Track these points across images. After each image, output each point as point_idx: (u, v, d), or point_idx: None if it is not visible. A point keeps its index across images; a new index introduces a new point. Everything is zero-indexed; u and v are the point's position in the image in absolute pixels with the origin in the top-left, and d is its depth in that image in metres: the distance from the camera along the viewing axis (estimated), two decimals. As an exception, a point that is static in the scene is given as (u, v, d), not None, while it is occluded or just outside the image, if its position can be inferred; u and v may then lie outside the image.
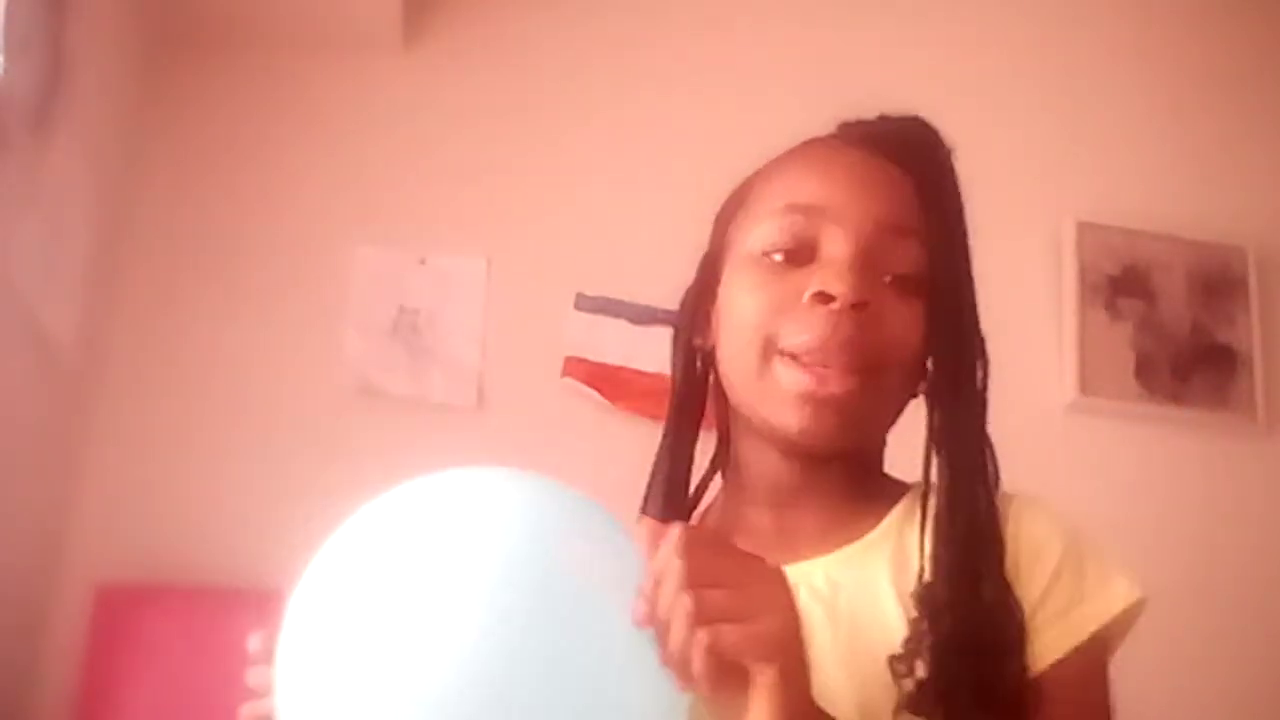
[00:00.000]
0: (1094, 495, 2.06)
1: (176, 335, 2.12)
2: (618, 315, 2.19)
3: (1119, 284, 2.37)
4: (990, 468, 0.81)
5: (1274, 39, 2.58)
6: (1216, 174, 2.49)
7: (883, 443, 0.87)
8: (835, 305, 0.77)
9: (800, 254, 0.80)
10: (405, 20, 2.28)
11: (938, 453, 0.81)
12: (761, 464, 0.85)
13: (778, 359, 0.79)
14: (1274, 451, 2.35)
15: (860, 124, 0.88)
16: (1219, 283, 2.41)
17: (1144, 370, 2.34)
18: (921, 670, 0.73)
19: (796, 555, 0.79)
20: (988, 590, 0.75)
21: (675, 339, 0.91)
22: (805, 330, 0.77)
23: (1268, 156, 2.51)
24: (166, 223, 2.18)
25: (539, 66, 2.36)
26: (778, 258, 0.81)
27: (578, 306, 2.22)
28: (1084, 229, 2.37)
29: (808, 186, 0.82)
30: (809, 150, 0.87)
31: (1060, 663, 0.75)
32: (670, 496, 0.90)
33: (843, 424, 0.78)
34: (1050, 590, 0.77)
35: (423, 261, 2.22)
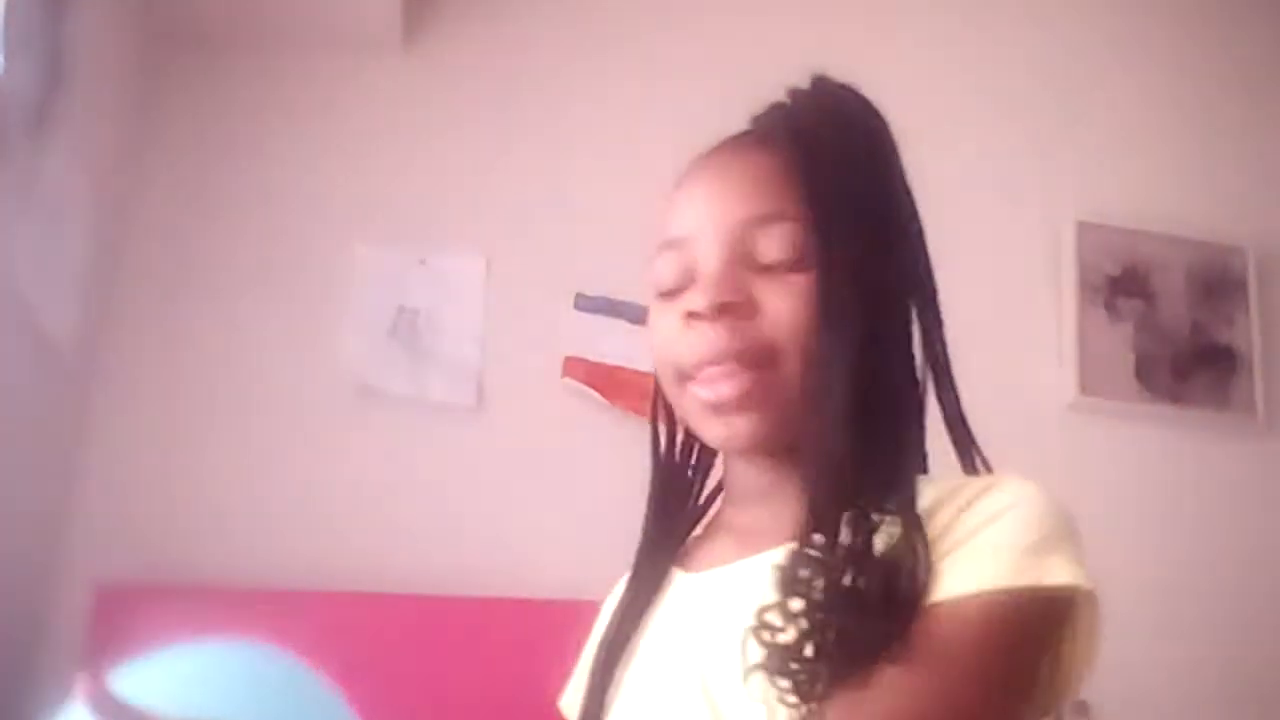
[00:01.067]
0: (1094, 495, 2.06)
1: (176, 335, 2.12)
2: (617, 315, 2.20)
3: (1119, 284, 2.37)
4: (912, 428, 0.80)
5: (1274, 39, 2.58)
6: (1216, 174, 2.49)
7: (869, 436, 0.77)
8: (705, 317, 0.78)
9: (682, 283, 0.82)
10: (405, 20, 2.28)
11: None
12: (733, 468, 0.87)
13: (688, 384, 0.81)
14: (1274, 451, 2.35)
15: (764, 110, 0.90)
16: (1219, 283, 2.41)
17: (1144, 370, 2.34)
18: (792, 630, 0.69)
19: (756, 550, 0.79)
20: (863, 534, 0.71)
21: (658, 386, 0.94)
22: (689, 352, 0.80)
23: (1268, 156, 2.52)
24: (166, 223, 2.18)
25: (539, 67, 2.36)
26: (665, 294, 0.83)
27: (577, 306, 2.22)
28: (1084, 229, 2.37)
29: (674, 217, 0.84)
30: (686, 174, 0.87)
31: (953, 603, 0.68)
32: (659, 527, 0.91)
33: (753, 420, 0.78)
34: (979, 529, 0.71)
35: (423, 261, 2.22)
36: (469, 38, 2.36)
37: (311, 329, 2.16)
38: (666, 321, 0.82)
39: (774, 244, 0.79)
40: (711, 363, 0.78)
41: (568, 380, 2.19)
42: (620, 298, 2.19)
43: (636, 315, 2.16)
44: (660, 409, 0.91)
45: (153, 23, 2.20)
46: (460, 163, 2.28)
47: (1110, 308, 2.36)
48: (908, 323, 0.82)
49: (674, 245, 0.83)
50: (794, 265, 0.78)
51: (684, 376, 0.81)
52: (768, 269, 0.79)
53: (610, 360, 2.18)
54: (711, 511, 0.93)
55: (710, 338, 0.78)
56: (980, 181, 2.33)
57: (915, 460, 0.80)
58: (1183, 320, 2.38)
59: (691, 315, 0.79)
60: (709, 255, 0.80)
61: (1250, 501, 2.31)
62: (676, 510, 0.92)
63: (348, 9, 2.24)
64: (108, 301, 2.09)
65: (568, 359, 2.19)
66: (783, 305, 0.78)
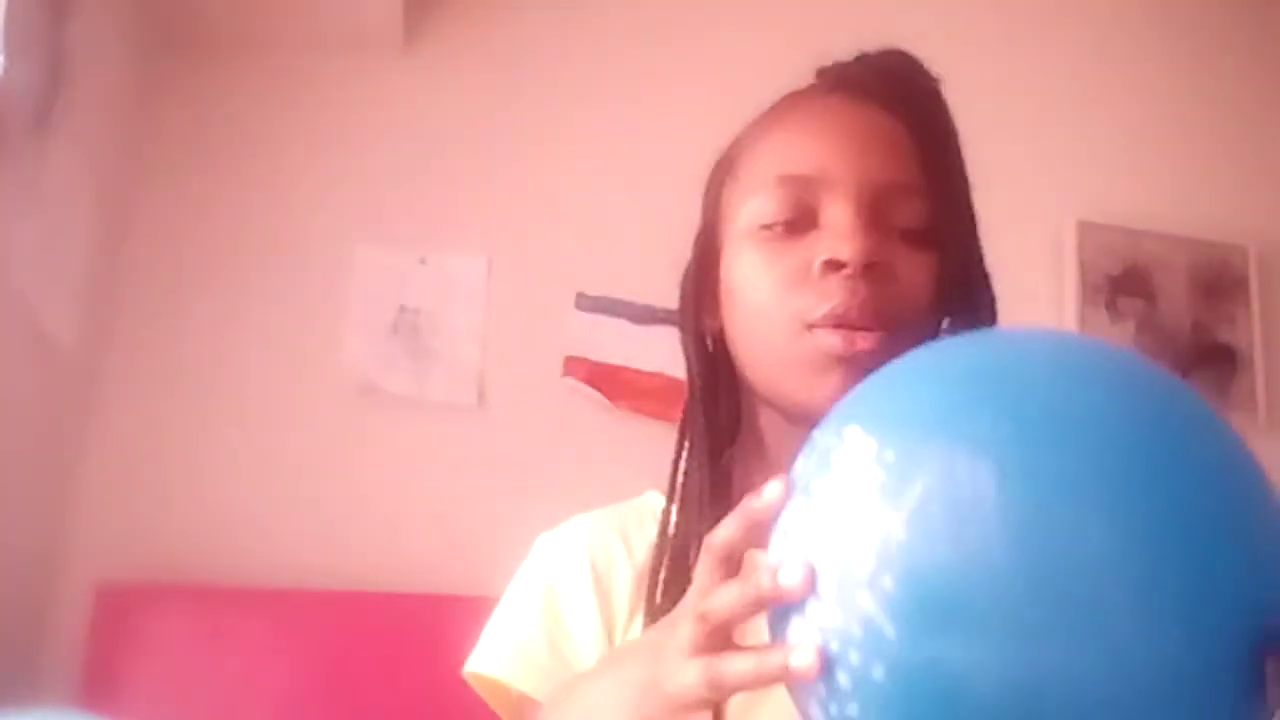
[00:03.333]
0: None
1: (176, 335, 2.12)
2: (618, 315, 2.19)
3: (1120, 283, 2.37)
4: None
5: (1275, 38, 2.57)
6: (1217, 173, 2.49)
7: None
8: (847, 271, 0.75)
9: (800, 223, 0.78)
10: (405, 20, 2.28)
11: None
12: (779, 435, 0.82)
13: (808, 332, 0.76)
14: (1275, 450, 2.33)
15: (840, 67, 0.86)
16: (1220, 282, 2.41)
17: (1145, 370, 2.34)
18: None
19: None
20: None
21: (683, 321, 0.88)
22: (824, 300, 0.75)
23: (1269, 156, 2.51)
24: (166, 223, 2.18)
25: (539, 66, 2.36)
26: (777, 230, 0.79)
27: (578, 306, 2.22)
28: (1084, 228, 2.37)
29: (797, 154, 0.80)
30: (793, 110, 0.84)
31: None
32: (716, 485, 0.83)
33: None
34: None
35: (423, 261, 2.22)
36: (469, 38, 2.36)
37: (312, 328, 2.16)
38: (783, 264, 0.78)
39: (909, 213, 0.78)
40: (848, 318, 0.75)
41: (568, 380, 2.19)
42: (620, 298, 2.19)
43: (638, 315, 2.16)
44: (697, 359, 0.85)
45: (153, 24, 2.20)
46: (460, 163, 2.28)
47: (1111, 307, 2.36)
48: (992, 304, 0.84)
49: (794, 182, 0.78)
50: (923, 239, 0.78)
51: (806, 323, 0.76)
52: (901, 235, 0.78)
53: (611, 360, 2.18)
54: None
55: (852, 289, 0.75)
56: (980, 181, 2.33)
57: None
58: (1183, 319, 2.38)
59: (832, 264, 0.75)
60: (844, 206, 0.77)
61: (1251, 501, 2.30)
62: (725, 493, 0.84)
63: (348, 9, 2.24)
64: (108, 301, 2.09)
65: (568, 359, 2.19)
66: (913, 275, 0.77)
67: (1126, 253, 2.39)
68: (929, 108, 0.82)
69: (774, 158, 0.81)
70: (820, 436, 0.56)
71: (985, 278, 0.83)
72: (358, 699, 1.89)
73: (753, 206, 0.80)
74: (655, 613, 0.80)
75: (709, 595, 0.57)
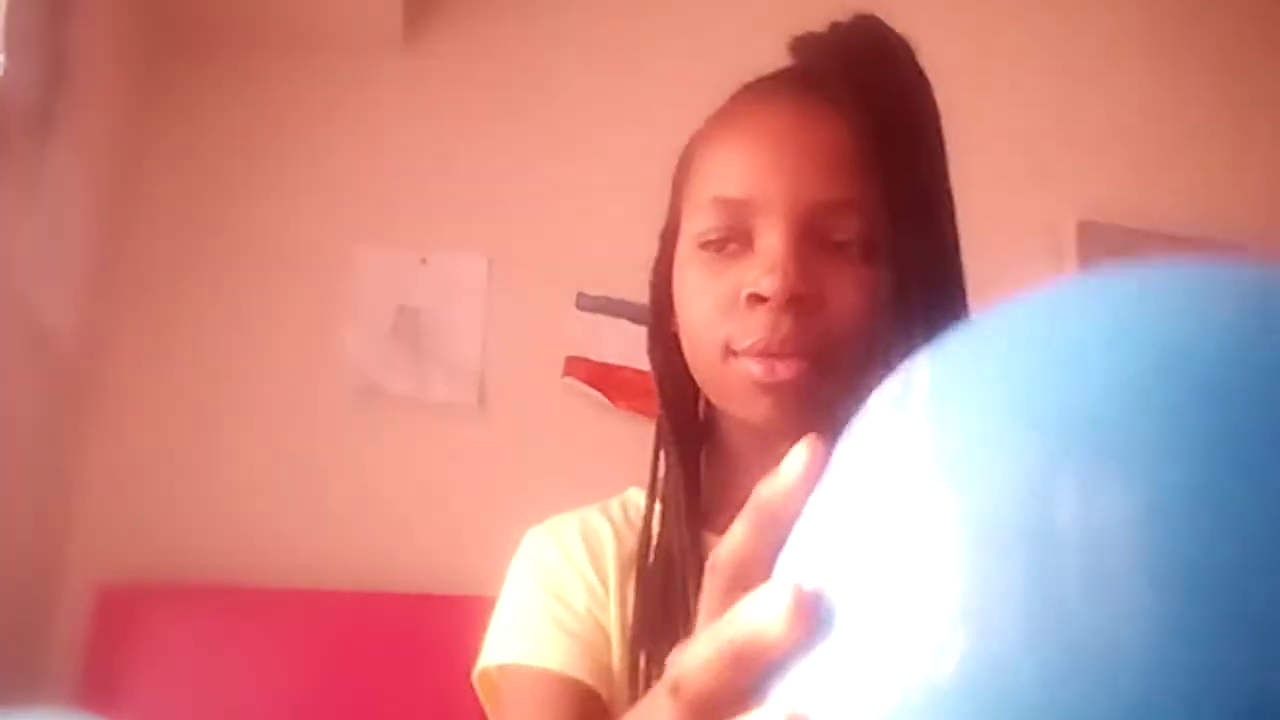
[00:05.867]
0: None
1: (177, 335, 2.12)
2: (618, 315, 2.19)
3: (1120, 283, 2.37)
4: None
5: (1275, 37, 2.57)
6: (1218, 173, 2.48)
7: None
8: (770, 304, 0.74)
9: (736, 244, 0.78)
10: (405, 20, 2.28)
11: None
12: (744, 439, 0.83)
13: (732, 358, 0.77)
14: (1275, 451, 2.35)
15: (802, 47, 0.85)
16: (1220, 282, 2.41)
17: (1145, 370, 2.34)
18: None
19: None
20: None
21: (652, 328, 0.89)
22: (748, 333, 0.75)
23: (1269, 155, 2.51)
24: (166, 223, 2.18)
25: (540, 66, 2.36)
26: (712, 251, 0.79)
27: (578, 306, 2.22)
28: (1084, 228, 2.37)
29: (733, 175, 0.78)
30: (736, 119, 0.83)
31: None
32: (691, 491, 0.85)
33: (802, 405, 0.75)
34: None
35: (423, 261, 2.22)
36: (469, 37, 2.36)
37: (312, 328, 2.16)
38: (716, 288, 0.78)
39: (848, 229, 0.76)
40: (769, 350, 0.75)
41: (569, 380, 2.19)
42: (621, 297, 2.18)
43: (638, 314, 2.16)
44: (665, 364, 0.86)
45: (153, 23, 2.20)
46: (461, 162, 2.28)
47: (1111, 307, 2.36)
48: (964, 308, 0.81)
49: (728, 205, 0.78)
50: (862, 255, 0.76)
51: (730, 351, 0.77)
52: (835, 251, 0.76)
53: (612, 360, 2.18)
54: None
55: (774, 324, 0.74)
56: (980, 181, 2.33)
57: None
58: (1184, 320, 2.38)
59: (755, 298, 0.75)
60: (774, 231, 0.75)
61: (1251, 501, 2.30)
62: (695, 462, 0.86)
63: (348, 9, 2.24)
64: (108, 301, 2.09)
65: (569, 358, 2.19)
66: (848, 298, 0.75)
67: (1126, 253, 2.39)
68: (886, 103, 0.78)
69: (711, 176, 0.80)
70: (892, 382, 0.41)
71: (946, 285, 0.80)
72: (358, 699, 1.89)
73: (695, 222, 0.80)
74: (640, 615, 0.81)
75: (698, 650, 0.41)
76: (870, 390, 0.55)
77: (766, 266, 0.75)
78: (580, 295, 2.22)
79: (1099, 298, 0.39)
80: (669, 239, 0.86)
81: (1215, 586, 0.31)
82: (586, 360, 2.19)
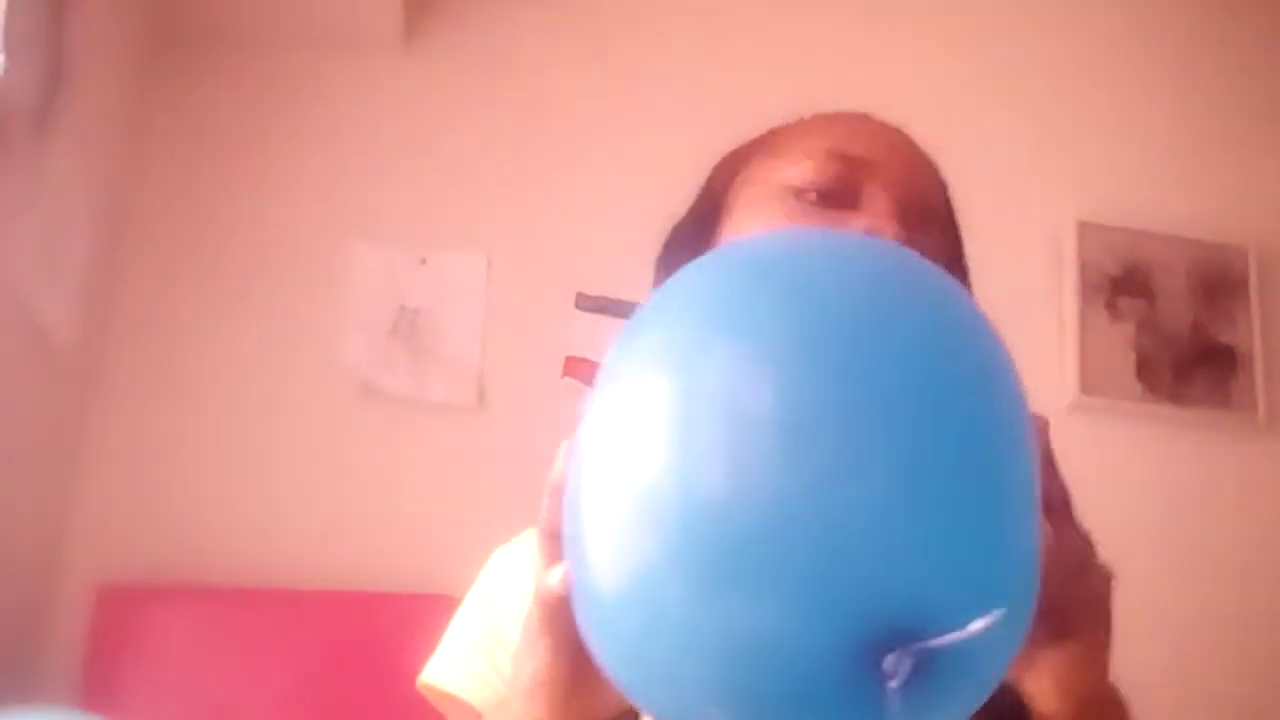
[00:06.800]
0: (1095, 495, 2.06)
1: (176, 335, 2.12)
2: (618, 315, 2.19)
3: (1120, 283, 2.37)
4: None
5: (1275, 37, 2.57)
6: (1218, 173, 2.48)
7: None
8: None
9: (838, 197, 0.76)
10: (405, 20, 2.28)
11: None
12: None
13: None
14: (1275, 451, 2.35)
15: None
16: (1220, 282, 2.41)
17: (1145, 370, 2.34)
18: None
19: None
20: None
21: (661, 266, 0.86)
22: None
23: (1269, 155, 2.51)
24: (166, 222, 2.18)
25: (539, 65, 2.36)
26: (813, 196, 0.76)
27: (578, 306, 2.22)
28: (1084, 228, 2.37)
29: (853, 139, 0.78)
30: (850, 113, 0.83)
31: None
32: None
33: None
34: None
35: (423, 261, 2.22)
36: (469, 38, 2.36)
37: (311, 328, 2.16)
38: (814, 221, 0.75)
39: (938, 245, 0.76)
40: None
41: (568, 380, 2.19)
42: (621, 297, 2.18)
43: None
44: None
45: (153, 22, 2.20)
46: (460, 162, 2.28)
47: (1111, 307, 2.36)
48: None
49: (846, 161, 0.76)
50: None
51: None
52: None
53: (611, 360, 2.18)
54: None
55: None
56: (980, 181, 2.32)
57: None
58: (1184, 320, 2.38)
59: (872, 234, 0.73)
60: (887, 199, 0.75)
61: (1251, 501, 2.30)
62: None
63: (348, 9, 2.24)
64: (107, 301, 2.09)
65: (569, 358, 2.19)
66: None
67: (1126, 253, 2.39)
68: (931, 172, 0.83)
69: (828, 135, 0.79)
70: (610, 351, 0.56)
71: None
72: (357, 699, 1.89)
73: (791, 172, 0.77)
74: None
75: (540, 577, 0.58)
76: None
77: (880, 216, 0.74)
78: (580, 295, 2.22)
79: (760, 251, 0.57)
80: (710, 199, 0.84)
81: (821, 429, 0.47)
82: (586, 360, 2.19)
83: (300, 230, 2.20)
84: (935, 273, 0.57)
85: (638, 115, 2.33)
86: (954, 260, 0.79)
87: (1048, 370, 2.32)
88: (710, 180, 0.86)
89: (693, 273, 0.57)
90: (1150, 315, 2.37)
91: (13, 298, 1.71)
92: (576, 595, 0.53)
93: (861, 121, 0.82)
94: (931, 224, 0.77)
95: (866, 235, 0.72)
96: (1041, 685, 0.61)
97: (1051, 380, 2.31)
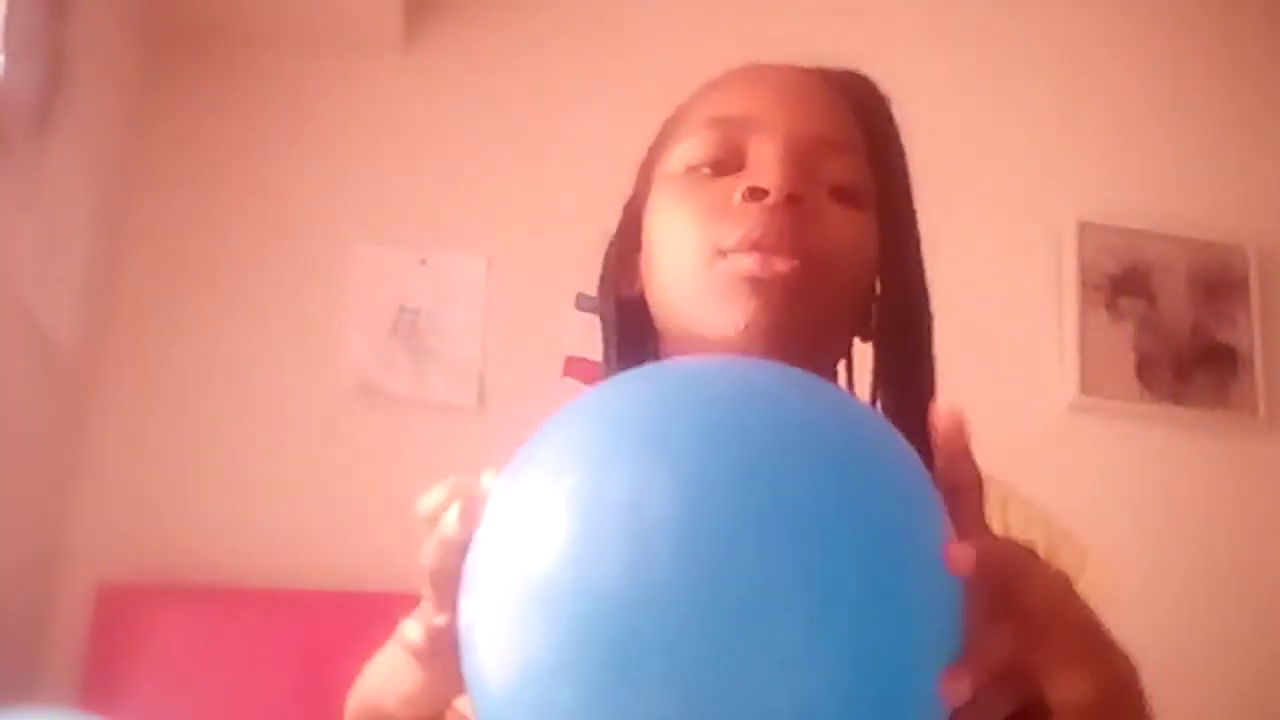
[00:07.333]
0: (1095, 495, 2.06)
1: (176, 335, 2.12)
2: (618, 315, 2.19)
3: (1120, 283, 2.37)
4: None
5: (1275, 37, 2.58)
6: (1217, 173, 2.49)
7: (835, 375, 0.80)
8: (769, 200, 0.71)
9: (727, 163, 0.75)
10: (405, 20, 2.28)
11: (883, 394, 0.78)
12: None
13: (721, 259, 0.73)
14: (1275, 451, 2.35)
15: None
16: (1220, 282, 2.41)
17: (1145, 370, 2.34)
18: None
19: None
20: None
21: (601, 291, 0.87)
22: (741, 226, 0.72)
23: (1269, 155, 2.51)
24: (166, 223, 2.18)
25: (539, 66, 2.36)
26: (706, 171, 0.76)
27: (578, 306, 2.22)
28: (1085, 228, 2.37)
29: (730, 99, 0.77)
30: (731, 71, 0.82)
31: None
32: None
33: (790, 308, 0.71)
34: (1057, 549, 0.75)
35: (423, 261, 2.22)
36: (469, 38, 2.36)
37: (312, 328, 2.16)
38: (704, 198, 0.74)
39: (844, 169, 0.75)
40: (764, 242, 0.71)
41: (568, 380, 2.19)
42: (621, 297, 2.19)
43: (637, 315, 2.16)
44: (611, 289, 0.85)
45: (153, 23, 2.20)
46: (460, 162, 2.28)
47: (1111, 307, 2.36)
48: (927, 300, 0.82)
49: (724, 124, 0.76)
50: (855, 199, 0.75)
51: (719, 249, 0.73)
52: (833, 189, 0.75)
53: (611, 360, 2.18)
54: None
55: (772, 220, 0.71)
56: (980, 181, 2.33)
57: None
58: (1184, 320, 2.38)
59: (755, 192, 0.72)
60: (771, 146, 0.73)
61: (1251, 500, 2.30)
62: None
63: (348, 9, 2.24)
64: (107, 301, 2.09)
65: (569, 359, 2.19)
66: (845, 230, 0.74)
67: (1126, 253, 2.39)
68: (878, 105, 0.80)
69: (706, 104, 0.79)
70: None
71: (922, 274, 0.80)
72: (358, 699, 1.89)
73: (680, 151, 0.78)
74: None
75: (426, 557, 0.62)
76: (840, 352, 0.79)
77: (764, 166, 0.73)
78: (580, 295, 2.22)
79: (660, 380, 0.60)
80: (632, 211, 0.85)
81: (722, 537, 0.48)
82: (586, 360, 2.19)
83: (300, 230, 2.20)
84: (844, 395, 0.61)
85: (638, 115, 2.32)
86: (883, 171, 0.77)
87: (1048, 370, 2.32)
88: (635, 183, 0.87)
89: (608, 386, 0.62)
90: (1150, 315, 2.37)
91: (13, 298, 1.71)
92: (469, 680, 0.55)
93: (746, 75, 0.80)
94: (833, 152, 0.75)
95: (750, 193, 0.72)
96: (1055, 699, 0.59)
97: (1051, 380, 2.32)
